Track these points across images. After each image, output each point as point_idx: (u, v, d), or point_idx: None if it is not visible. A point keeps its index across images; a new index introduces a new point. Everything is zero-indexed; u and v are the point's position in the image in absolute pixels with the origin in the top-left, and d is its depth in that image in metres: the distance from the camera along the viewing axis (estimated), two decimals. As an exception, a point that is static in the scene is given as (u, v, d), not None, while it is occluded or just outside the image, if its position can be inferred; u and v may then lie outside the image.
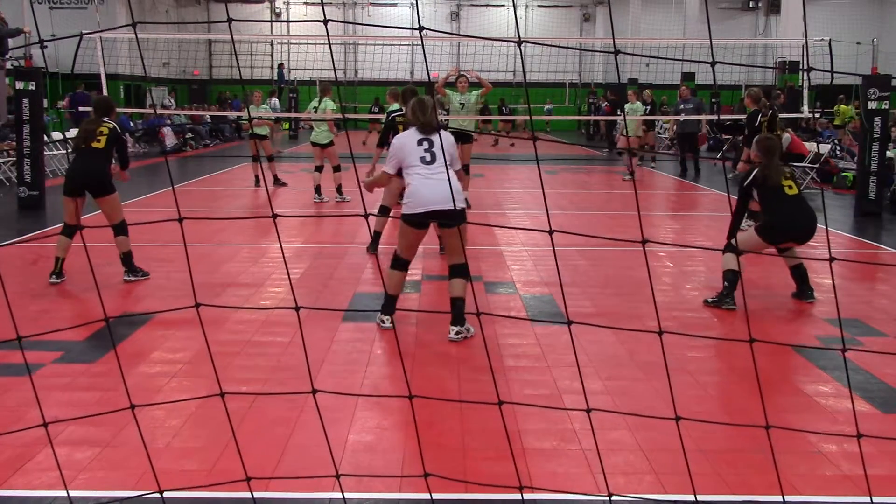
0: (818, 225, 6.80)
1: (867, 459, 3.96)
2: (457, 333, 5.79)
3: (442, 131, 5.95)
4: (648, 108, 20.13)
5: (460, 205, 5.74)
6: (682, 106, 18.41)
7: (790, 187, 6.67)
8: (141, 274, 7.55)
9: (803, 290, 6.99)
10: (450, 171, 5.45)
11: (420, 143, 5.85)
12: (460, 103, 11.87)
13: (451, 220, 5.70)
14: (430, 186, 5.71)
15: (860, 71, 21.48)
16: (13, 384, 4.82)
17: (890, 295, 7.50)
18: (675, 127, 19.20)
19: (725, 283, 6.71)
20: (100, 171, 7.39)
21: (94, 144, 7.44)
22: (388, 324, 6.01)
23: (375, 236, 8.84)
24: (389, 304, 6.04)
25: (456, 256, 5.94)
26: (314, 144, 12.98)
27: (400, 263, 6.03)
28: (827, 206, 13.05)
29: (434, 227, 6.15)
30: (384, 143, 8.56)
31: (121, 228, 7.43)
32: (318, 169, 13.00)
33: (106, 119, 7.72)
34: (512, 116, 27.23)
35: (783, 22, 25.40)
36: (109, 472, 3.77)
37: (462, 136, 11.87)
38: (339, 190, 12.89)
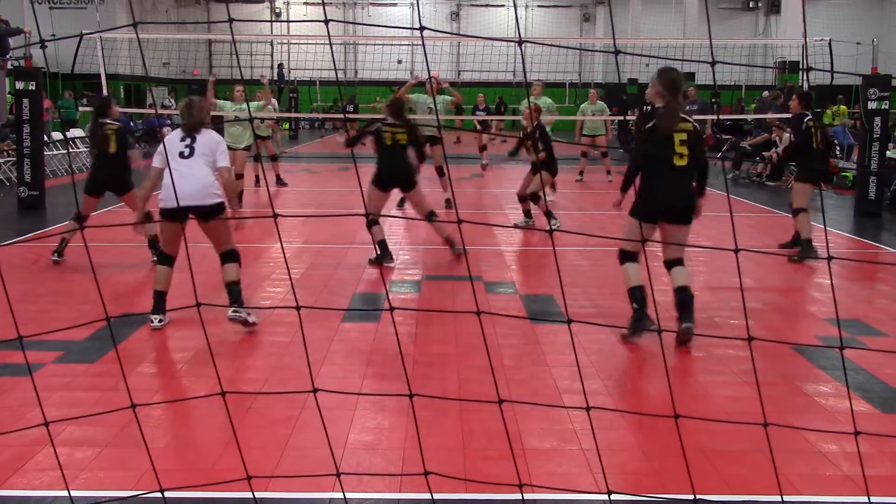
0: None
1: (867, 460, 3.96)
2: (234, 312, 5.90)
3: (206, 130, 6.10)
4: (649, 108, 20.13)
5: (214, 200, 5.96)
6: (687, 107, 18.38)
7: (681, 156, 5.66)
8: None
9: (682, 317, 5.66)
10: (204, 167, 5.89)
11: (182, 139, 6.04)
12: (428, 106, 11.86)
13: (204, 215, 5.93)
14: (183, 181, 5.75)
15: (860, 71, 21.48)
16: (13, 384, 4.82)
17: (890, 295, 7.50)
18: None
19: (633, 304, 5.74)
20: (120, 173, 7.97)
21: (110, 150, 7.95)
22: (156, 323, 5.99)
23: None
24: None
25: (223, 246, 6.12)
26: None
27: (165, 258, 6.14)
28: (827, 207, 13.05)
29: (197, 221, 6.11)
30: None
31: (147, 217, 7.78)
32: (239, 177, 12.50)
33: (107, 121, 7.91)
34: (498, 116, 27.06)
35: (783, 22, 25.42)
36: (109, 472, 3.77)
37: (430, 139, 11.91)
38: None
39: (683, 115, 5.86)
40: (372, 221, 8.13)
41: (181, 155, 5.97)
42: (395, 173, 8.21)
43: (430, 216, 8.33)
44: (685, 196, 5.73)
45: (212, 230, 6.09)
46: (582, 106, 17.25)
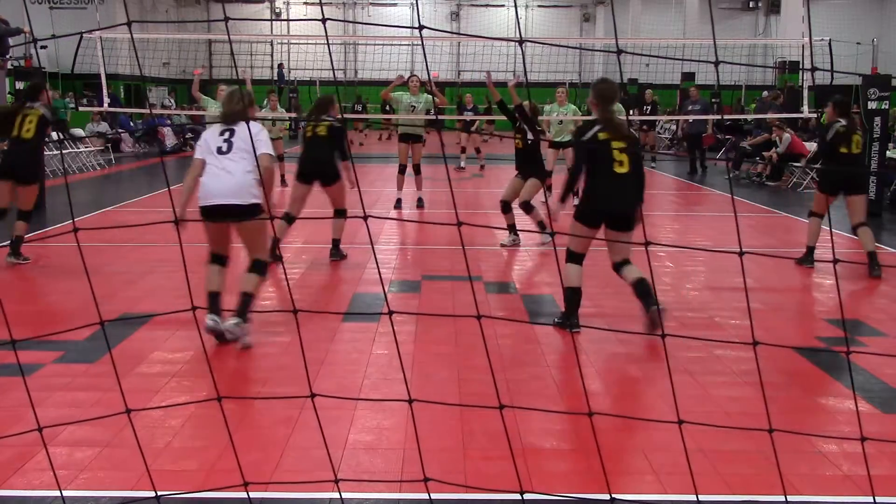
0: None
1: (867, 460, 3.95)
2: (235, 325, 5.53)
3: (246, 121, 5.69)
4: (649, 108, 20.13)
5: (251, 200, 5.61)
6: (690, 107, 18.49)
7: (621, 164, 5.78)
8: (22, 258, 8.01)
9: (647, 303, 5.80)
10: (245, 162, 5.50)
11: (221, 133, 5.71)
12: (411, 105, 11.85)
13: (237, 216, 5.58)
14: (218, 178, 5.54)
15: (860, 71, 21.48)
16: (13, 384, 4.81)
17: (890, 295, 7.49)
18: (685, 127, 19.24)
19: (565, 302, 5.95)
20: (29, 162, 7.89)
21: (24, 134, 7.86)
22: (211, 323, 5.56)
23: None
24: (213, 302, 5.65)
25: (255, 253, 5.77)
26: None
27: (214, 257, 5.79)
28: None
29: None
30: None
31: (25, 215, 8.01)
32: None
33: (34, 105, 7.94)
34: (486, 116, 26.97)
35: (783, 22, 25.41)
36: (109, 473, 3.76)
37: (413, 137, 11.93)
38: None
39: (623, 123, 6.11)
40: (287, 216, 8.09)
41: (219, 151, 5.62)
42: (313, 166, 8.11)
43: (338, 213, 8.18)
44: (626, 202, 5.82)
45: (246, 233, 5.73)
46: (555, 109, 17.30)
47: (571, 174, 6.10)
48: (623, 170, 5.78)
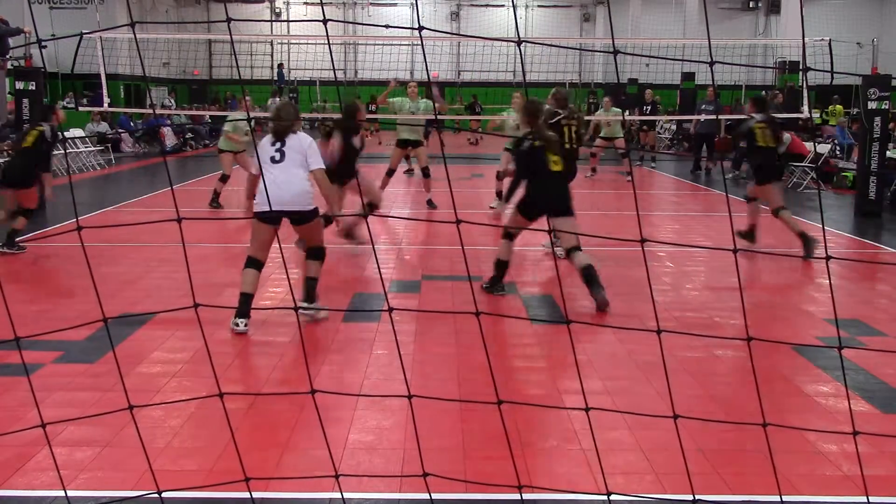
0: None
1: (868, 460, 3.96)
2: (307, 307, 6.16)
3: (296, 133, 6.17)
4: (649, 108, 20.14)
5: (310, 206, 6.13)
6: (703, 107, 18.59)
7: (556, 163, 6.86)
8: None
9: (593, 288, 6.59)
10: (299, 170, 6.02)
11: (273, 143, 6.15)
12: (410, 111, 11.86)
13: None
14: (278, 187, 5.94)
15: (860, 71, 21.48)
16: (13, 384, 4.82)
17: (890, 295, 7.50)
18: (696, 126, 19.33)
19: (494, 271, 7.13)
20: (26, 167, 8.65)
21: (24, 145, 8.80)
22: (241, 327, 5.94)
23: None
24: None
25: (313, 242, 6.35)
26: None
27: (252, 262, 6.11)
28: (827, 207, 13.05)
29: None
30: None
31: (26, 212, 8.71)
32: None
33: (42, 124, 8.87)
34: (473, 116, 26.98)
35: (783, 22, 25.42)
36: (109, 472, 3.77)
37: (412, 142, 11.95)
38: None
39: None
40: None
41: (272, 160, 6.03)
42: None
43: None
44: (562, 195, 6.93)
45: (306, 230, 6.28)
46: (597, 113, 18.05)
47: (515, 180, 7.07)
48: (558, 167, 6.88)
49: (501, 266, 7.09)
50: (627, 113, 19.64)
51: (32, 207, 8.80)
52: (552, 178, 6.85)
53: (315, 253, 6.29)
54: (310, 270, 6.28)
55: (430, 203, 12.20)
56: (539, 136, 6.86)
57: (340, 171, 8.09)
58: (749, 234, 9.15)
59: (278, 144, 6.07)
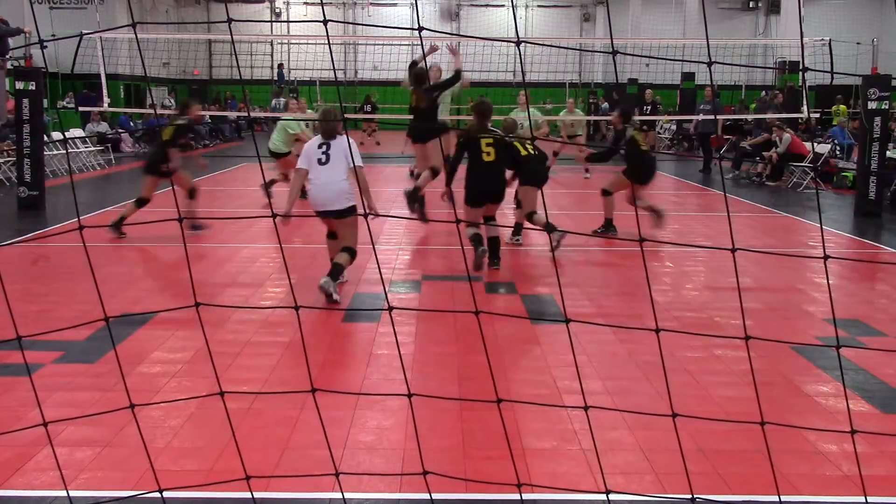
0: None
1: (867, 460, 3.97)
2: (326, 283, 6.62)
3: (341, 135, 6.83)
4: (650, 108, 20.17)
5: (347, 204, 6.79)
6: (701, 107, 18.68)
7: (488, 154, 7.95)
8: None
9: (493, 261, 7.98)
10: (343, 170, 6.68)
11: (320, 146, 6.81)
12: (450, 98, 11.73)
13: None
14: (322, 190, 6.72)
15: (860, 71, 21.47)
16: (13, 384, 4.82)
17: (890, 295, 7.50)
18: (697, 126, 19.43)
19: (472, 244, 7.99)
20: (160, 157, 9.84)
21: (163, 137, 9.98)
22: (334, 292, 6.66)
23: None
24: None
25: (347, 242, 6.95)
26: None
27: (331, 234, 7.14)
28: (827, 207, 13.05)
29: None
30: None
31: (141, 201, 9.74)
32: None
33: (180, 118, 9.86)
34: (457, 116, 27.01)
35: (783, 22, 25.42)
36: (109, 472, 3.77)
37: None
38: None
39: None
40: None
41: (319, 162, 6.71)
42: None
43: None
44: (496, 183, 8.12)
45: (344, 227, 6.91)
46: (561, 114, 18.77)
47: (451, 164, 8.20)
48: (490, 158, 8.02)
49: (476, 238, 7.99)
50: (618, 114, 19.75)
51: (193, 187, 9.94)
52: (485, 166, 7.95)
53: (348, 251, 6.86)
54: (339, 258, 6.81)
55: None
56: (481, 130, 8.00)
57: None
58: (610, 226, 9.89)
59: (325, 147, 6.71)
